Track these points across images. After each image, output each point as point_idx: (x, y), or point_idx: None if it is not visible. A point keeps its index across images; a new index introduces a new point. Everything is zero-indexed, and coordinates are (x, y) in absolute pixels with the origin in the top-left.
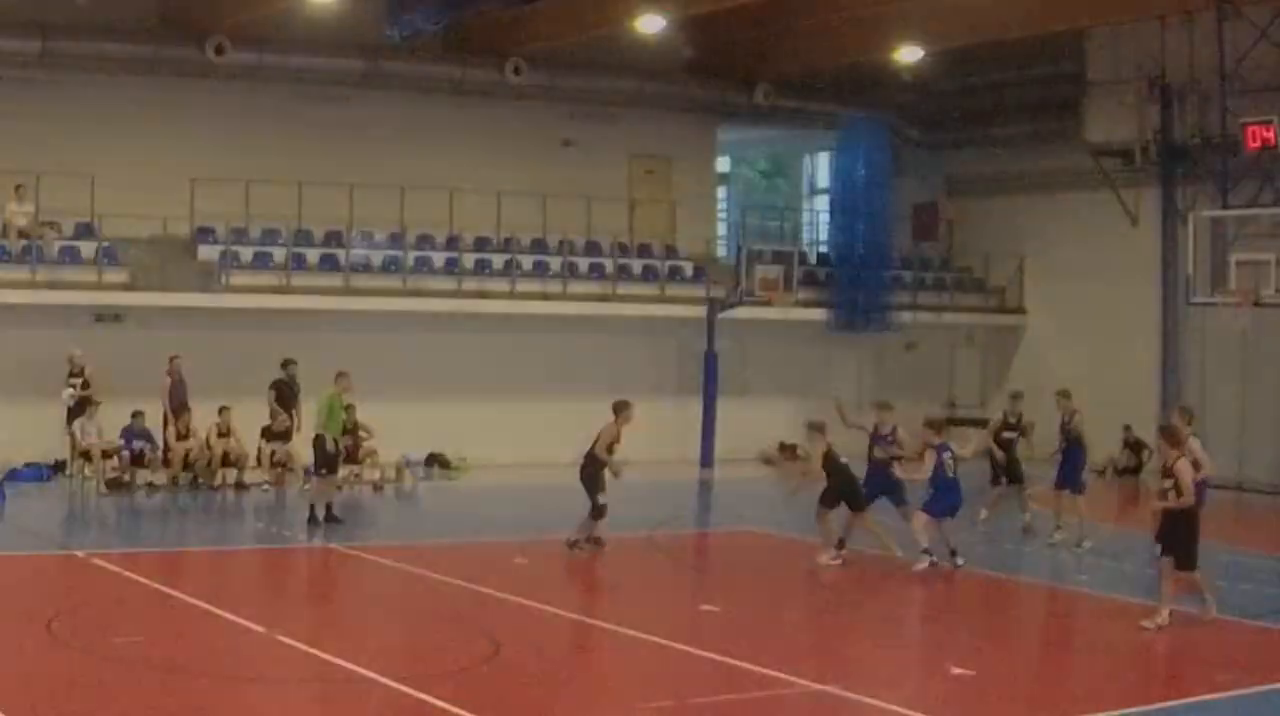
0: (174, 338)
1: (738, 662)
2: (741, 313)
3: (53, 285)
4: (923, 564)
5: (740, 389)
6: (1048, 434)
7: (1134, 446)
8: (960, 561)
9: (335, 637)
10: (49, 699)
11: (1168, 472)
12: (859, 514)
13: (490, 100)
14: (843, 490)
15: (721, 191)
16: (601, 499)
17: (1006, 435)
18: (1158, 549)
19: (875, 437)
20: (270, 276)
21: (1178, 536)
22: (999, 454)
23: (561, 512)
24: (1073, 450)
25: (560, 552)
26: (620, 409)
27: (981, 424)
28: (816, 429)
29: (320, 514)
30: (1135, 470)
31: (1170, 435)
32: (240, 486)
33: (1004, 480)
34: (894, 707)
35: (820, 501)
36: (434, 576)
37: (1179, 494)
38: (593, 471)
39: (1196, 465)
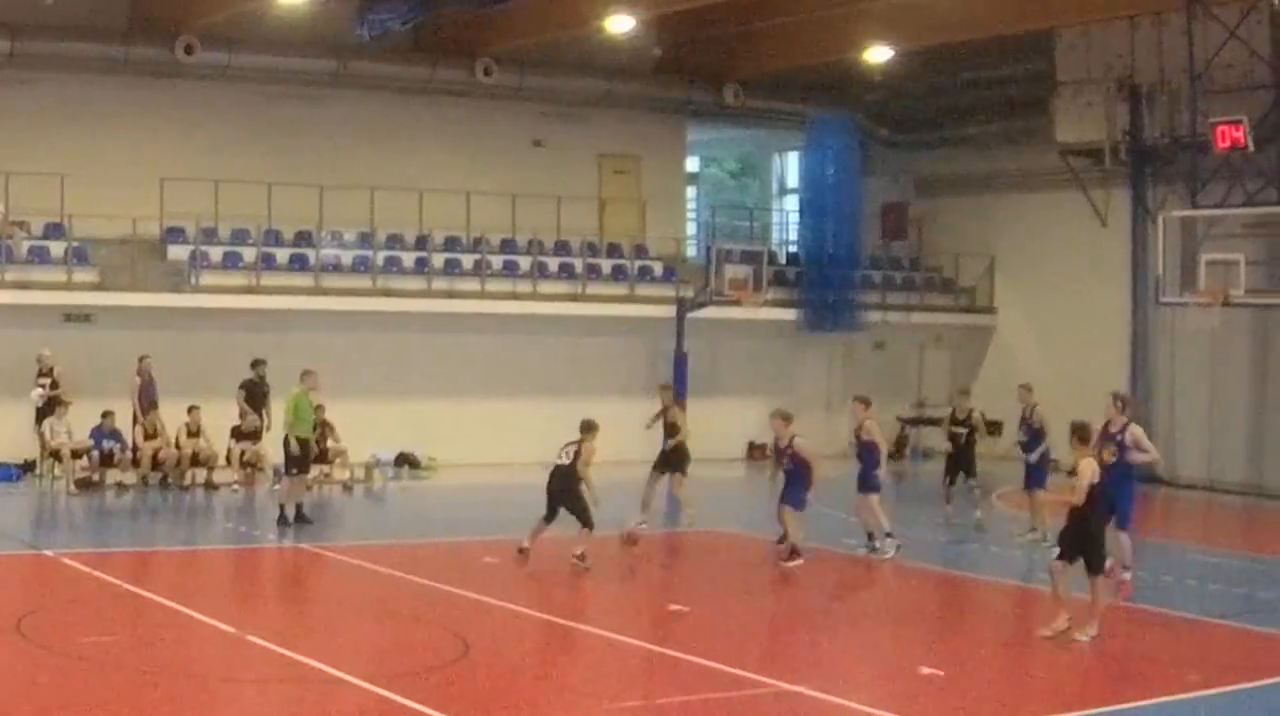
0: (143, 337)
1: (706, 662)
2: (711, 312)
3: (22, 285)
4: (890, 551)
5: (710, 388)
6: (1012, 434)
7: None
8: (878, 545)
9: (305, 637)
10: (18, 698)
11: (1072, 471)
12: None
13: (460, 100)
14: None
15: (691, 191)
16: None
17: (955, 430)
18: (1055, 551)
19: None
20: (240, 276)
21: (1078, 539)
22: (947, 447)
23: (531, 513)
24: (1034, 444)
25: (530, 552)
26: (590, 428)
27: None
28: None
29: (290, 514)
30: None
31: (1078, 433)
32: (210, 486)
33: (955, 476)
34: (863, 708)
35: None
36: (403, 576)
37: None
38: (572, 488)
39: (1098, 462)
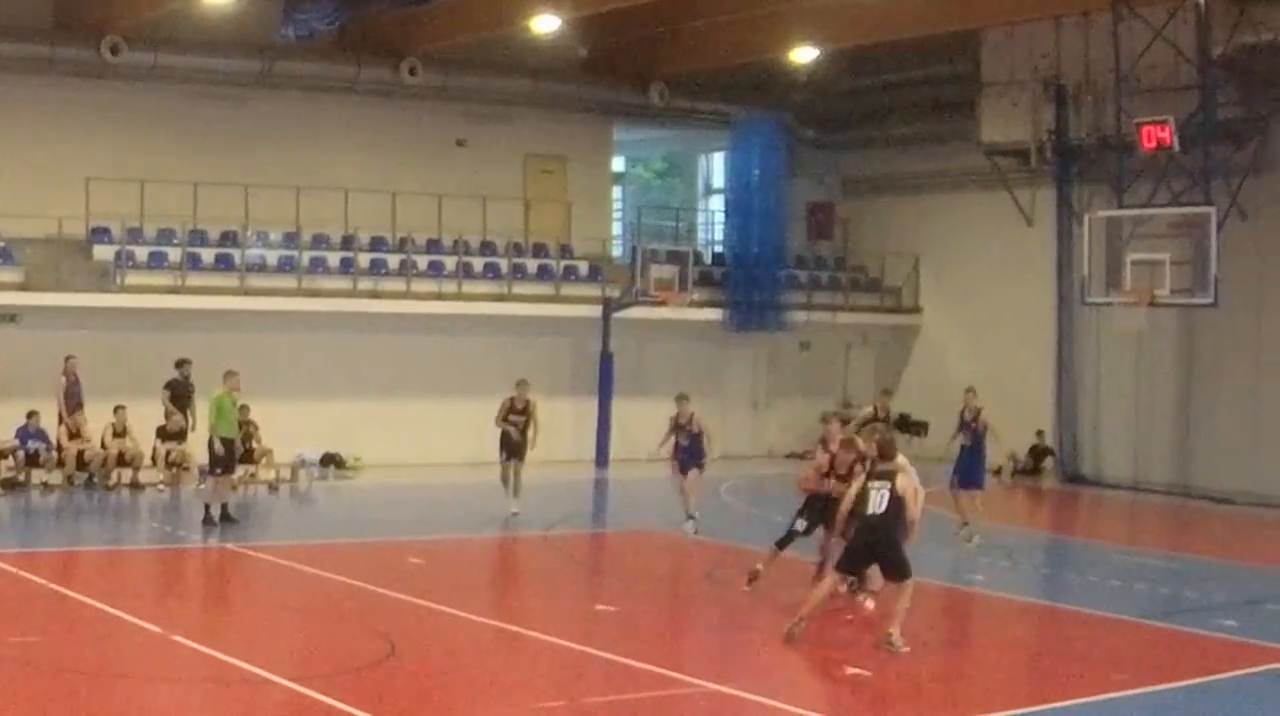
0: (69, 337)
1: (633, 662)
2: (637, 312)
3: None
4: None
5: (636, 389)
6: (944, 431)
7: (1038, 451)
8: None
9: (230, 637)
10: None
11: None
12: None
13: (385, 100)
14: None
15: (617, 191)
16: None
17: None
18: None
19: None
20: (165, 276)
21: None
22: None
23: (455, 512)
24: (977, 446)
25: (455, 552)
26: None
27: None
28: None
29: (215, 514)
30: (1033, 472)
31: (881, 447)
32: (135, 486)
33: None
34: (789, 707)
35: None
36: (329, 576)
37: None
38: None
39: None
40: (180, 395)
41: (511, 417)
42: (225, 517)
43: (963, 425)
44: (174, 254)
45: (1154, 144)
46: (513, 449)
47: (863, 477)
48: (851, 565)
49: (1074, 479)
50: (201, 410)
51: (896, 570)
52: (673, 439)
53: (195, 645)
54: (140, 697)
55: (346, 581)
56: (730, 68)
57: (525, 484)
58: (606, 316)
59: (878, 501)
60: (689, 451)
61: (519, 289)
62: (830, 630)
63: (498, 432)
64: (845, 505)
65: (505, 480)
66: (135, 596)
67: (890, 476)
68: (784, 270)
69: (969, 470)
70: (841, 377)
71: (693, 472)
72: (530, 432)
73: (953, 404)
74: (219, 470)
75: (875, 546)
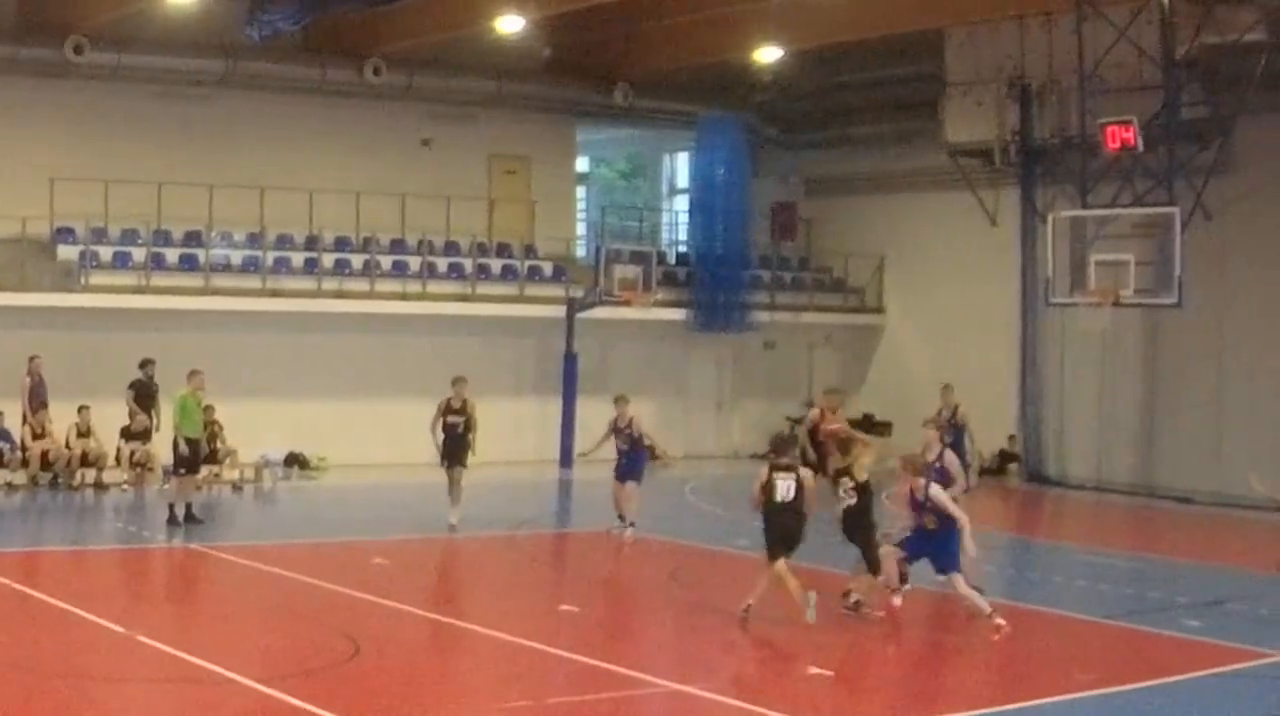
0: (33, 337)
1: (596, 663)
2: (601, 312)
3: None
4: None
5: (600, 389)
6: (908, 431)
7: (1006, 454)
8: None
9: (195, 637)
10: None
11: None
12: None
13: (349, 100)
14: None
15: (581, 191)
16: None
17: (452, 418)
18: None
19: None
20: (129, 276)
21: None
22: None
23: (420, 513)
24: (956, 444)
25: (419, 552)
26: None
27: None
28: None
29: (180, 514)
30: (998, 472)
31: (843, 444)
32: (99, 486)
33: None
34: (752, 707)
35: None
36: (293, 576)
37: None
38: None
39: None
40: (144, 395)
41: (449, 418)
42: (189, 518)
43: (949, 426)
44: (138, 254)
45: (1118, 144)
46: (451, 453)
47: (767, 469)
48: (777, 546)
49: (1038, 479)
50: (166, 410)
51: (792, 546)
52: (611, 442)
53: (159, 645)
54: (104, 698)
55: (311, 581)
56: (694, 68)
57: (489, 483)
58: (570, 316)
59: (785, 490)
60: (629, 458)
61: (483, 289)
62: (793, 630)
63: (437, 438)
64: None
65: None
66: (99, 596)
67: (794, 469)
68: (748, 270)
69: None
70: (806, 378)
71: (630, 485)
72: (470, 436)
73: (916, 403)
74: (183, 470)
75: (788, 527)
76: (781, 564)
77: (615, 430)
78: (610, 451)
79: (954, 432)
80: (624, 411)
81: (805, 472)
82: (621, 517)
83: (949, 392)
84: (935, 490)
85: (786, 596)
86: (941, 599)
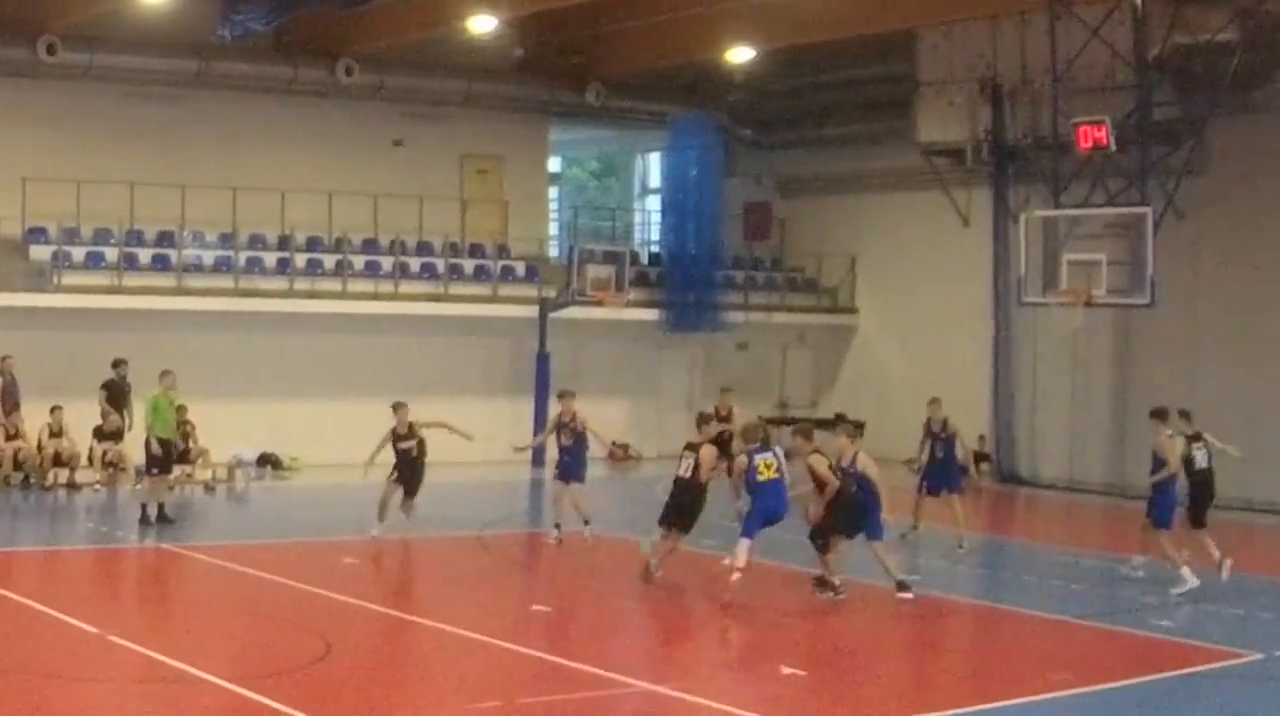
0: (5, 338)
1: (568, 663)
2: (574, 312)
3: None
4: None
5: (573, 389)
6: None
7: (978, 456)
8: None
9: (167, 637)
10: None
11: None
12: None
13: (322, 100)
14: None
15: (553, 191)
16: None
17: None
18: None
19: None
20: (102, 276)
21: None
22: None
23: (392, 512)
24: (949, 454)
25: (391, 553)
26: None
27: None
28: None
29: (152, 514)
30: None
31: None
32: (72, 486)
33: None
34: (725, 707)
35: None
36: (266, 576)
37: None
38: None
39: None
40: (117, 395)
41: (401, 445)
42: (162, 518)
43: (933, 437)
44: (110, 254)
45: (1090, 144)
46: (408, 482)
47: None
48: (668, 517)
49: (1010, 479)
50: (138, 410)
51: (688, 522)
52: (553, 439)
53: (132, 645)
54: (77, 698)
55: (283, 581)
56: (666, 68)
57: (461, 483)
58: (543, 316)
59: (683, 467)
60: (572, 455)
61: (455, 289)
62: (766, 630)
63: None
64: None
65: (385, 505)
66: (71, 597)
67: (696, 448)
68: (720, 270)
69: (948, 476)
70: (779, 378)
71: (575, 486)
72: (421, 461)
73: (889, 403)
74: (155, 470)
75: (680, 501)
76: (661, 531)
77: (559, 426)
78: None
79: (946, 446)
80: (568, 406)
81: (706, 450)
82: (558, 526)
83: (936, 406)
84: (864, 457)
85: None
86: (917, 599)
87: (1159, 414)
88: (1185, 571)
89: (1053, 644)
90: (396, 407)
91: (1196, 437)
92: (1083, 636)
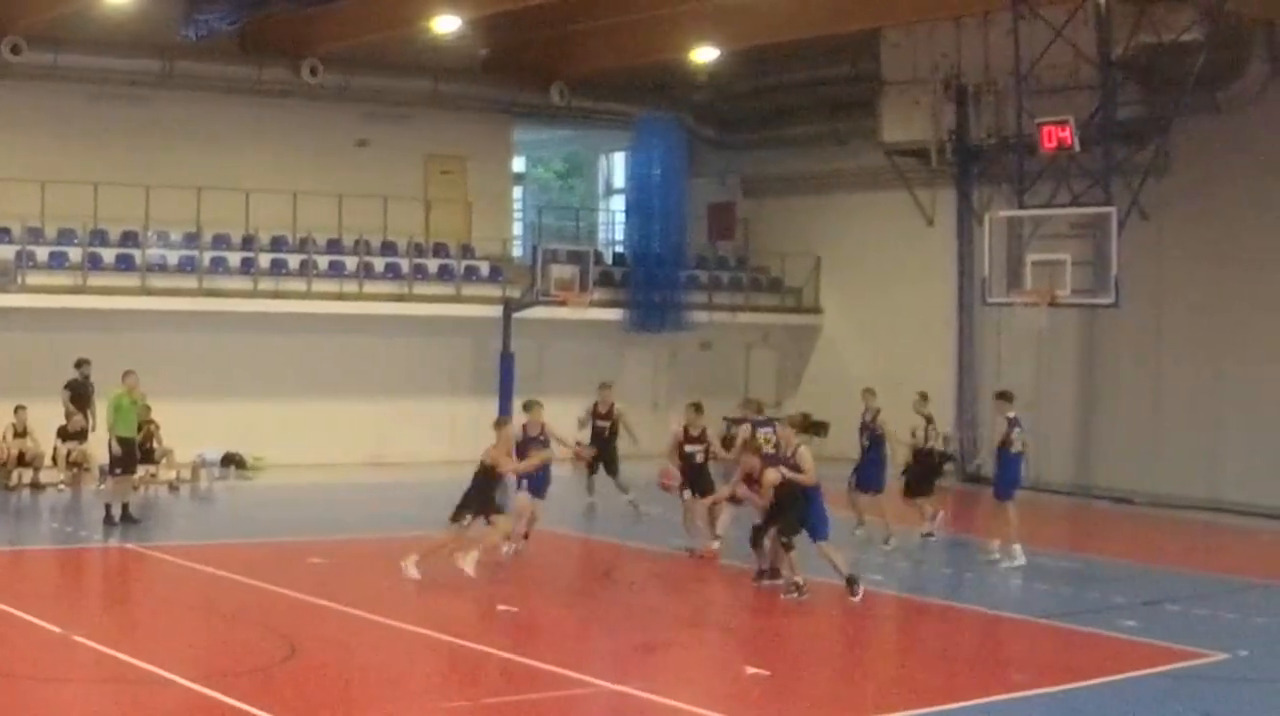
0: None
1: (534, 663)
2: (538, 312)
3: None
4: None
5: (537, 389)
6: (845, 432)
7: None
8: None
9: (132, 637)
10: None
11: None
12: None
13: (286, 100)
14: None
15: (517, 191)
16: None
17: (689, 448)
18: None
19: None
20: (66, 276)
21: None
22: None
23: (356, 512)
24: (875, 448)
25: (356, 553)
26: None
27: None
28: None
29: (116, 514)
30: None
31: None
32: (36, 486)
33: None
34: (689, 707)
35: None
36: (230, 576)
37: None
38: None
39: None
40: (80, 395)
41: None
42: (126, 517)
43: (863, 426)
44: (75, 254)
45: (1054, 144)
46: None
47: None
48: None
49: (974, 479)
50: (101, 410)
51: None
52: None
53: (96, 645)
54: (40, 698)
55: (247, 581)
56: (631, 68)
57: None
58: (507, 316)
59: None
60: (546, 468)
61: (420, 289)
62: (731, 630)
63: None
64: None
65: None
66: (35, 596)
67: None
68: (685, 270)
69: (867, 472)
70: (742, 378)
71: (539, 503)
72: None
73: (854, 403)
74: (119, 470)
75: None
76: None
77: (527, 439)
78: None
79: (872, 437)
80: (536, 416)
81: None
82: (526, 536)
83: (870, 396)
84: (804, 450)
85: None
86: (879, 599)
87: (1004, 396)
88: (1017, 548)
89: (1016, 644)
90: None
91: (1016, 422)
92: (1046, 636)
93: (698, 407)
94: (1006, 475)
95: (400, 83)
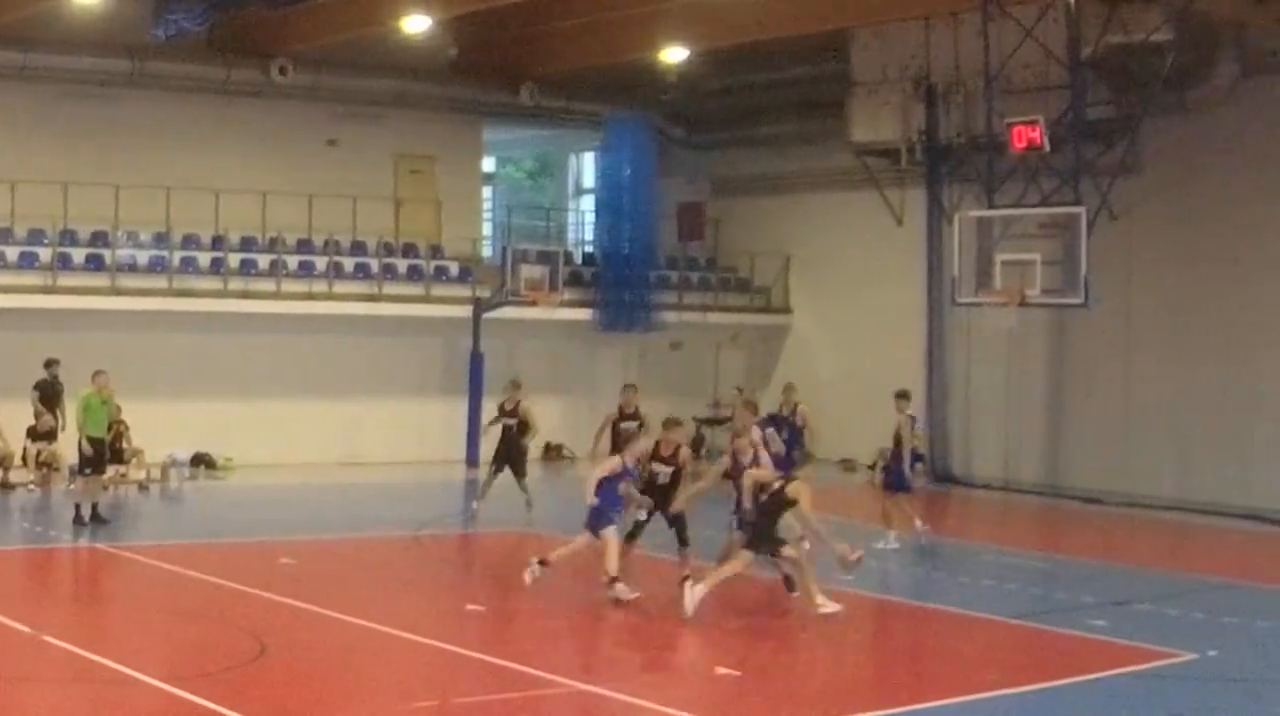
0: None
1: (503, 662)
2: (508, 312)
3: None
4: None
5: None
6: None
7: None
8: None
9: (101, 637)
10: None
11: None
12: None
13: (256, 100)
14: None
15: (487, 191)
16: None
17: (625, 425)
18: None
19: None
20: (35, 276)
21: None
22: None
23: (326, 512)
24: (793, 443)
25: (327, 553)
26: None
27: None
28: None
29: (86, 514)
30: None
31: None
32: (6, 486)
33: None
34: (659, 707)
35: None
36: (200, 576)
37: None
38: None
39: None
40: (50, 395)
41: (622, 426)
42: (95, 517)
43: (779, 421)
44: (44, 254)
45: (1024, 144)
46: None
47: None
48: None
49: (944, 478)
50: (71, 410)
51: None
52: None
53: (66, 645)
54: (10, 697)
55: (217, 581)
56: (600, 67)
57: (395, 483)
58: (477, 316)
59: None
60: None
61: (389, 289)
62: (700, 630)
63: None
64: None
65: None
66: (5, 596)
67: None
68: (654, 270)
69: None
70: (712, 377)
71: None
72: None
73: (823, 403)
74: (89, 470)
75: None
76: None
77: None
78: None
79: (790, 430)
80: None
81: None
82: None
83: (790, 391)
84: (758, 434)
85: None
86: (848, 599)
87: (904, 394)
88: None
89: (986, 644)
90: (626, 389)
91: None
92: (1016, 637)
93: (633, 388)
94: (902, 468)
95: (370, 82)
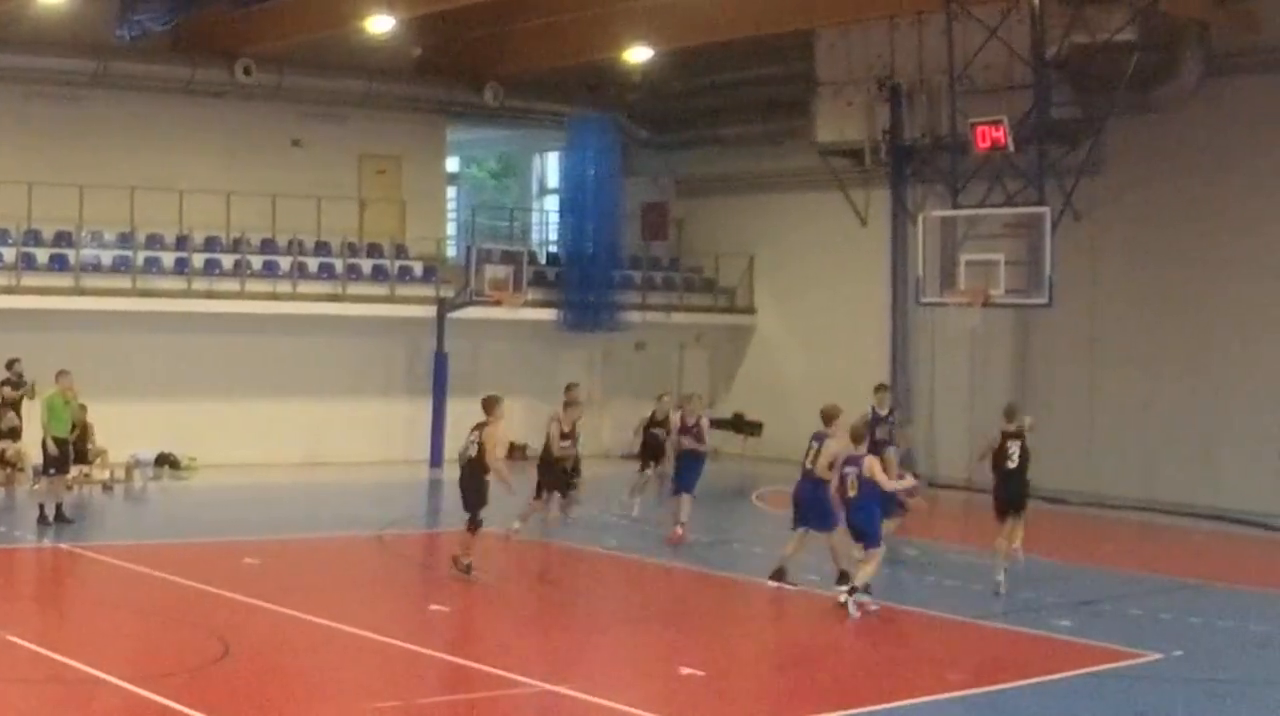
0: None
1: (467, 663)
2: (472, 312)
3: None
4: None
5: (471, 389)
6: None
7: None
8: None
9: (65, 637)
10: None
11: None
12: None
13: (220, 100)
14: None
15: (451, 191)
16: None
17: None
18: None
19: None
20: None
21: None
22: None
23: (290, 513)
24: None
25: (290, 553)
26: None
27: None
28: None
29: (50, 514)
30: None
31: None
32: None
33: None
34: (624, 708)
35: None
36: (164, 576)
37: None
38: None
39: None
40: (13, 398)
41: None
42: (60, 517)
43: (684, 429)
44: (8, 254)
45: (988, 144)
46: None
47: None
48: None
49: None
50: (34, 410)
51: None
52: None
53: (29, 645)
54: None
55: (181, 581)
56: (564, 68)
57: (359, 483)
58: (441, 316)
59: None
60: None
61: (354, 289)
62: (665, 630)
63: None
64: None
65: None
66: None
67: (479, 427)
68: (618, 270)
69: (687, 475)
70: (676, 377)
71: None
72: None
73: (787, 403)
74: (53, 470)
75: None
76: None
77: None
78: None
79: (695, 436)
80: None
81: (488, 431)
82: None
83: (699, 401)
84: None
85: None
86: (813, 599)
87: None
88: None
89: (951, 644)
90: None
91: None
92: (982, 637)
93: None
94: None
95: (334, 83)
